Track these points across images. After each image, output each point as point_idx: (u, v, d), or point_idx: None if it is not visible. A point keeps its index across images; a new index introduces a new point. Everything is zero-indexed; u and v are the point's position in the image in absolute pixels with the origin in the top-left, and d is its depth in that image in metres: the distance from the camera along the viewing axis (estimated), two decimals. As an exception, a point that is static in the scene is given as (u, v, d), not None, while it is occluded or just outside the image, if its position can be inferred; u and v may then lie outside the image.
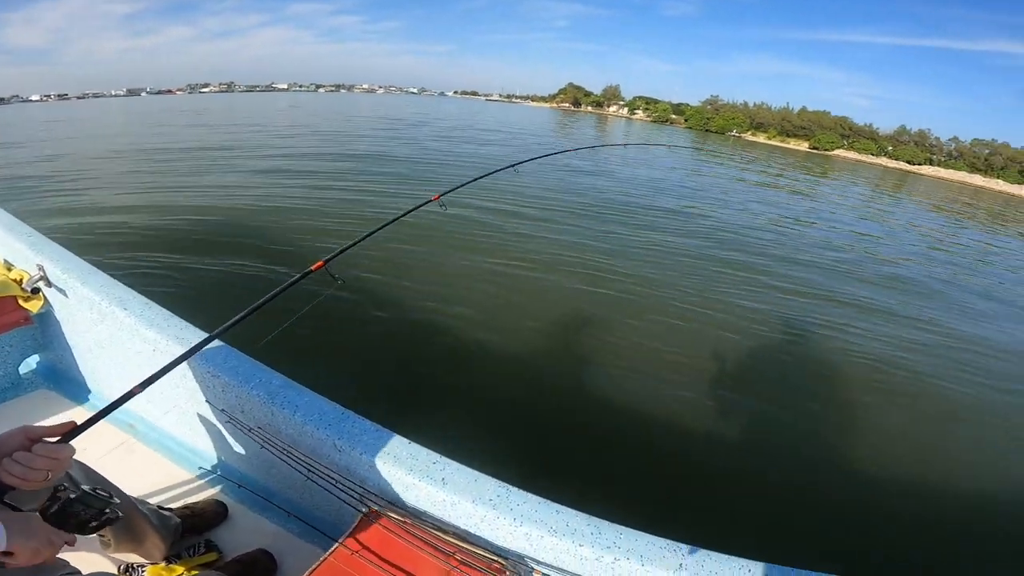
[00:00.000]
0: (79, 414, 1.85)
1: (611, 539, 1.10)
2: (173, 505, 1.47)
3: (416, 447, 1.26)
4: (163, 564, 1.29)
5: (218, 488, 1.59)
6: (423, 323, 4.72)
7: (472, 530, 1.18)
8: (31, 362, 1.99)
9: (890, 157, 66.08)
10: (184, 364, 1.46)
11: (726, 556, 1.10)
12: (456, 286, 5.60)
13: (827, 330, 5.80)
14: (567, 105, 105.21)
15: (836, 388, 4.63)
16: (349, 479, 1.24)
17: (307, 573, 1.04)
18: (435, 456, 1.23)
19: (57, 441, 0.86)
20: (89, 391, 1.95)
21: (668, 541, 1.13)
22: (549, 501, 1.18)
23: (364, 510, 1.18)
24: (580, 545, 1.08)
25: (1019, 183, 58.68)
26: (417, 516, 1.19)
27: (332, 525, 1.26)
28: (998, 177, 60.67)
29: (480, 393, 3.78)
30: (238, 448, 1.54)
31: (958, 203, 28.34)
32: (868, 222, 14.84)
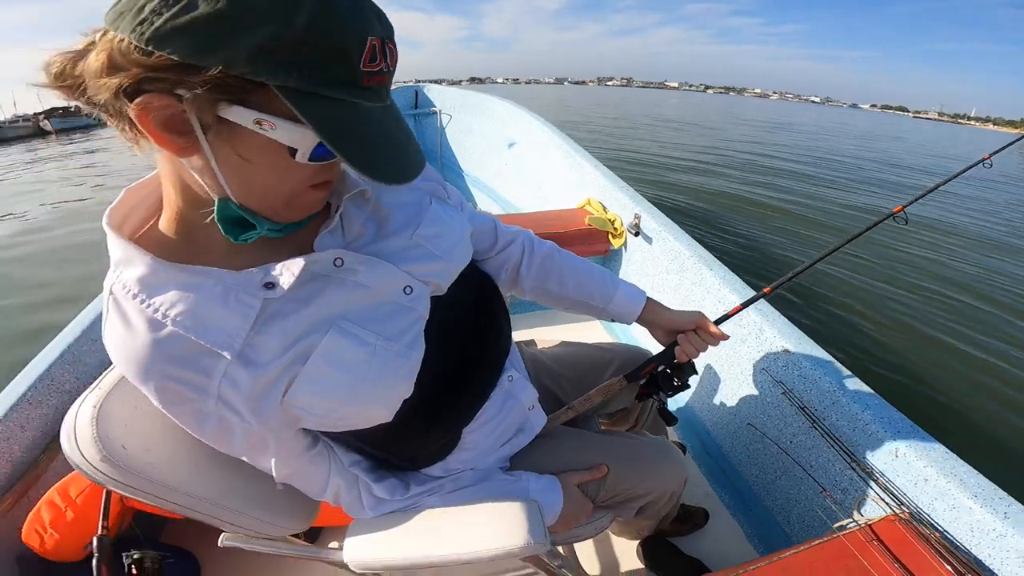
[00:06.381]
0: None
1: None
2: None
3: (982, 479, 1.00)
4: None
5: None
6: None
7: None
8: None
9: None
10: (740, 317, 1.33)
11: None
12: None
13: None
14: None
15: None
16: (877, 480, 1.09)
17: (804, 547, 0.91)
18: (1001, 493, 0.98)
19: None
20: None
21: None
22: None
23: (881, 514, 1.02)
24: None
25: None
26: (948, 540, 0.96)
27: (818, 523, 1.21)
28: None
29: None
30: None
31: None
32: None
